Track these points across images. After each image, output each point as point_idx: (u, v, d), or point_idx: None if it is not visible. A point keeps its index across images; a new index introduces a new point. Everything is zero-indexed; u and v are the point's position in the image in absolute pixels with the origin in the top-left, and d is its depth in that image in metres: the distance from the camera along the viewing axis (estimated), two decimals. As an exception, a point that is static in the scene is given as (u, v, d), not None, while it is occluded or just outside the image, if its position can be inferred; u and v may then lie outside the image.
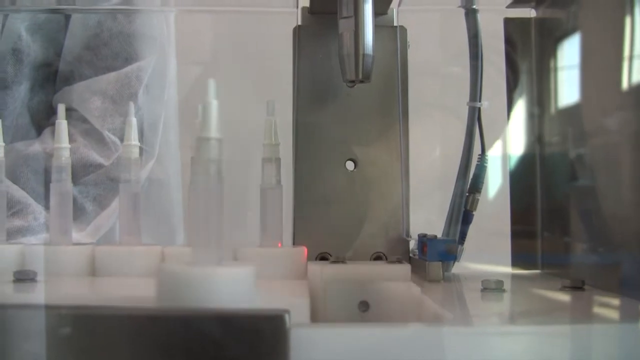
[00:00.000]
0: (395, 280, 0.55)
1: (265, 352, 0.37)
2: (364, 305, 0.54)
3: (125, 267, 0.56)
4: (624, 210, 0.53)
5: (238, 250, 0.56)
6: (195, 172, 0.42)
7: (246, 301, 0.40)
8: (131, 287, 0.53)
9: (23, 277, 0.52)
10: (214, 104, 0.42)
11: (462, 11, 0.64)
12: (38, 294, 0.50)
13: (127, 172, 0.59)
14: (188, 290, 0.39)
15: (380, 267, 0.57)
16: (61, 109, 0.59)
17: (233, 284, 0.40)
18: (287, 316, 0.37)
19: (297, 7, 0.66)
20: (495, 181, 0.72)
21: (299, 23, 0.66)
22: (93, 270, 0.57)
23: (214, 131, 0.41)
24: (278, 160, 0.58)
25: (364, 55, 0.58)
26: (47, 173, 0.85)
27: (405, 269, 0.56)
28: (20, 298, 0.49)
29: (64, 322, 0.38)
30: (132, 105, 0.61)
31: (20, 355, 0.38)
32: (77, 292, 0.52)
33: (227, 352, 0.37)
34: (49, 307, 0.39)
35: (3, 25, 0.87)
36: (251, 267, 0.42)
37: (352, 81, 0.59)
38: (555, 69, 0.65)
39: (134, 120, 0.59)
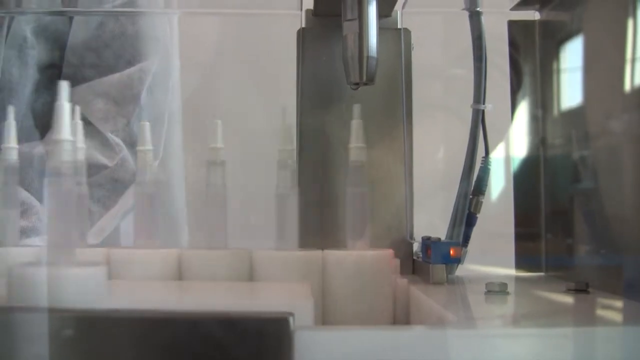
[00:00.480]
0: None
1: (269, 355, 0.37)
2: None
3: (140, 271, 0.56)
4: (628, 213, 0.53)
5: (254, 252, 0.56)
6: (48, 174, 0.44)
7: (97, 301, 0.41)
8: (131, 291, 0.53)
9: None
10: (66, 107, 0.43)
11: (466, 13, 0.64)
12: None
13: (142, 174, 0.59)
14: (38, 290, 0.40)
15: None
16: (10, 111, 0.59)
17: (83, 284, 0.41)
18: (291, 319, 0.37)
19: (301, 9, 0.66)
20: (499, 183, 0.72)
21: (303, 25, 0.66)
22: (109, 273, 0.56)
23: (66, 133, 0.43)
24: (294, 164, 0.58)
25: (368, 57, 0.58)
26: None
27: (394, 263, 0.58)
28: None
29: (68, 325, 0.38)
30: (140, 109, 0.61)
31: (24, 358, 0.38)
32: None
33: (232, 354, 0.37)
34: (52, 310, 0.39)
35: (9, 28, 0.88)
36: (102, 267, 0.43)
37: (356, 83, 0.59)
38: (559, 71, 0.65)
39: (147, 125, 0.59)
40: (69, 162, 0.43)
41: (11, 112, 0.60)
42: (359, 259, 0.55)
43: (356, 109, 0.57)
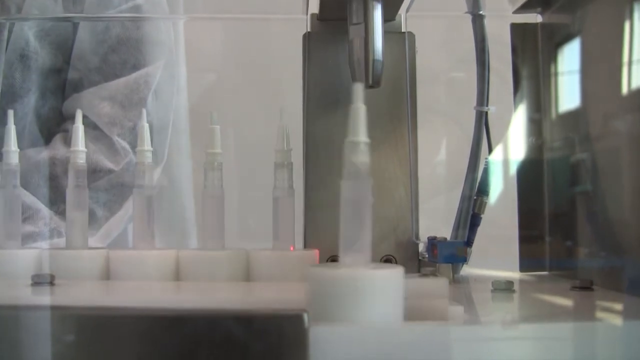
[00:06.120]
0: (431, 297, 0.46)
1: (284, 351, 0.38)
2: None
3: (139, 271, 0.57)
4: (631, 214, 0.54)
5: (251, 252, 0.57)
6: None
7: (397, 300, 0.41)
8: (146, 291, 0.54)
9: (41, 281, 0.53)
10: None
11: (469, 17, 0.65)
12: (56, 297, 0.51)
13: (141, 177, 0.60)
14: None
15: (413, 282, 0.47)
16: (79, 114, 0.60)
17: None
18: (305, 315, 0.38)
19: (307, 13, 0.67)
20: (502, 186, 0.73)
21: (309, 30, 0.67)
22: (107, 274, 0.58)
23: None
24: (290, 165, 0.60)
25: (374, 61, 0.59)
26: (57, 179, 0.86)
27: (441, 283, 0.47)
28: (38, 301, 0.50)
29: (86, 323, 0.39)
30: (144, 111, 0.62)
31: (35, 356, 0.39)
32: (99, 295, 0.52)
33: (247, 350, 0.38)
34: (67, 309, 0.40)
35: (10, 32, 0.88)
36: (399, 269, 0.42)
37: (362, 86, 0.60)
38: (562, 74, 0.66)
39: (146, 126, 0.61)
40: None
41: (11, 116, 0.61)
42: (280, 258, 0.57)
43: (282, 111, 0.59)
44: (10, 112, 0.61)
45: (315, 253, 0.58)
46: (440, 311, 0.45)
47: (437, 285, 0.47)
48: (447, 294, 0.46)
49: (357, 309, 0.39)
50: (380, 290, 0.40)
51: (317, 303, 0.40)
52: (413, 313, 0.44)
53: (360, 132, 0.44)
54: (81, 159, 0.61)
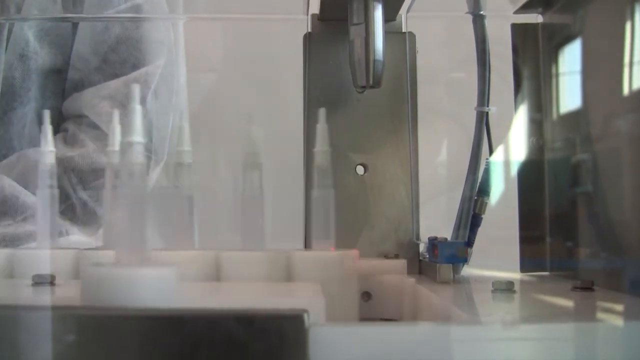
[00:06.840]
0: (392, 273, 0.60)
1: (284, 351, 0.38)
2: (367, 296, 0.60)
3: None
4: (632, 214, 0.54)
5: (291, 253, 0.56)
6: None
7: (168, 301, 0.40)
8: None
9: (41, 281, 0.53)
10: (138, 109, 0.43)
11: (470, 17, 0.65)
12: (56, 297, 0.51)
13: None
14: (111, 290, 0.40)
15: (380, 263, 0.61)
16: (46, 115, 0.59)
17: (154, 285, 0.40)
18: (306, 316, 0.38)
19: (307, 14, 0.67)
20: (503, 186, 0.73)
21: (309, 30, 0.67)
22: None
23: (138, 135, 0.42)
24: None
25: (374, 61, 0.59)
26: (58, 178, 0.86)
27: (401, 263, 0.61)
28: (38, 301, 0.50)
29: (86, 323, 0.39)
30: (183, 112, 0.61)
31: (36, 357, 0.39)
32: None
33: (247, 351, 0.38)
34: (68, 309, 0.40)
35: (10, 32, 0.88)
36: (173, 268, 0.41)
37: (363, 87, 0.60)
38: (563, 74, 0.66)
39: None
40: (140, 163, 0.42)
41: (47, 116, 0.59)
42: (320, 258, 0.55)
43: (322, 113, 0.57)
44: (46, 112, 0.59)
45: (355, 253, 0.56)
46: (397, 284, 0.60)
47: (396, 265, 0.61)
48: (405, 272, 0.60)
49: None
50: (147, 290, 0.40)
51: (90, 302, 0.40)
52: (379, 287, 0.59)
53: (134, 132, 0.42)
54: (51, 160, 0.60)
